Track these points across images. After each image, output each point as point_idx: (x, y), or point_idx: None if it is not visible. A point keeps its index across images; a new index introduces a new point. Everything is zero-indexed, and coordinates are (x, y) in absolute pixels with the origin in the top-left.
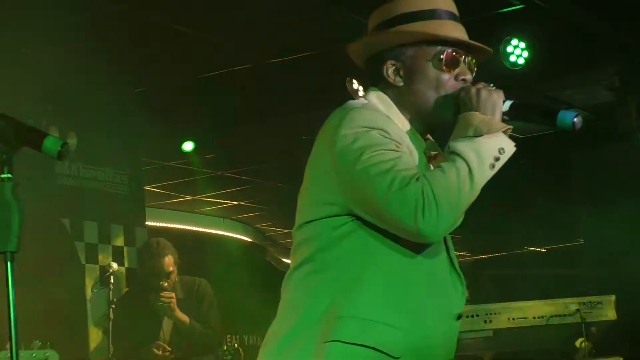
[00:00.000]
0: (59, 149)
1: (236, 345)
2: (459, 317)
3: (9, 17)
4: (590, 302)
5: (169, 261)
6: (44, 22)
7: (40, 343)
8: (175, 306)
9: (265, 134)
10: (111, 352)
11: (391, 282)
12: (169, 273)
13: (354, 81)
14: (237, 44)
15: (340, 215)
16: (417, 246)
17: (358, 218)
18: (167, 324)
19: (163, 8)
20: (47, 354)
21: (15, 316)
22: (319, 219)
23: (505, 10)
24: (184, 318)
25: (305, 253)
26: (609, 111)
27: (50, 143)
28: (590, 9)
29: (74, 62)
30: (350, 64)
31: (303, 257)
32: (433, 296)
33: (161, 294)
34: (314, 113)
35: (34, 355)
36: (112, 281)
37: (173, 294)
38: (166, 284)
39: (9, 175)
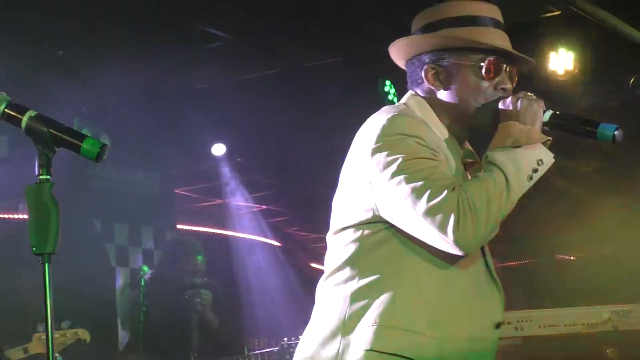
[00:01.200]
0: (98, 150)
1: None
2: (498, 325)
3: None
4: (622, 311)
5: (202, 260)
6: (74, 23)
7: (70, 322)
8: (204, 305)
9: (293, 137)
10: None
11: (427, 291)
12: (203, 272)
13: (386, 83)
14: (272, 47)
15: (375, 222)
16: (453, 255)
17: (393, 226)
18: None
19: (196, 10)
20: (78, 332)
21: (52, 319)
22: (354, 226)
23: (547, 15)
24: (215, 318)
25: (340, 260)
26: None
27: (89, 144)
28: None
29: (107, 64)
30: (381, 68)
31: (337, 264)
32: (470, 305)
33: (201, 290)
34: (342, 117)
35: (66, 334)
36: (142, 284)
37: (209, 293)
38: (200, 282)
39: (47, 177)
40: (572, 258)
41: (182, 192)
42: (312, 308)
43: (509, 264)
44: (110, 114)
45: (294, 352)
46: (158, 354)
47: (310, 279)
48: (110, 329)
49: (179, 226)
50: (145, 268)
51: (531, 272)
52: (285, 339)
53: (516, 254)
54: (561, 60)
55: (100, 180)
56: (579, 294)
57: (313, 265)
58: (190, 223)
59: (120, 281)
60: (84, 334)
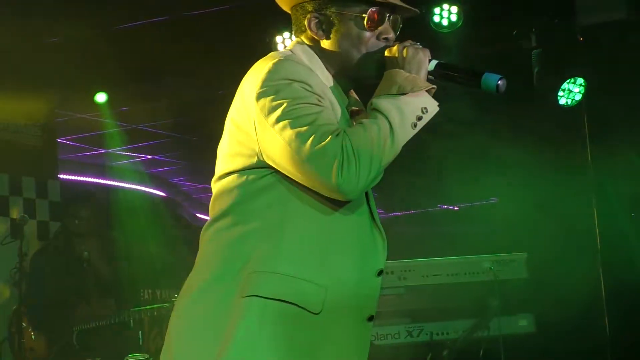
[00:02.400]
0: None
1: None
2: (380, 272)
3: None
4: (502, 260)
5: (87, 211)
6: None
7: None
8: (91, 251)
9: (181, 87)
10: (23, 305)
11: (311, 237)
12: (88, 220)
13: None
14: None
15: (259, 168)
16: (337, 201)
17: (278, 172)
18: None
19: None
20: None
21: None
22: (238, 171)
23: None
24: (105, 266)
25: (224, 205)
26: (525, 70)
27: None
28: None
29: None
30: (273, 18)
31: (222, 209)
32: (354, 252)
33: (86, 239)
34: (231, 66)
35: None
36: (24, 234)
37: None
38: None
39: None
40: (455, 208)
41: (65, 142)
42: (187, 258)
43: (394, 213)
44: None
45: None
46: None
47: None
48: None
49: (61, 176)
50: (26, 217)
51: (415, 222)
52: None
53: (400, 204)
54: (445, 13)
55: None
56: (461, 244)
57: (199, 215)
58: (74, 173)
59: (1, 231)
60: None
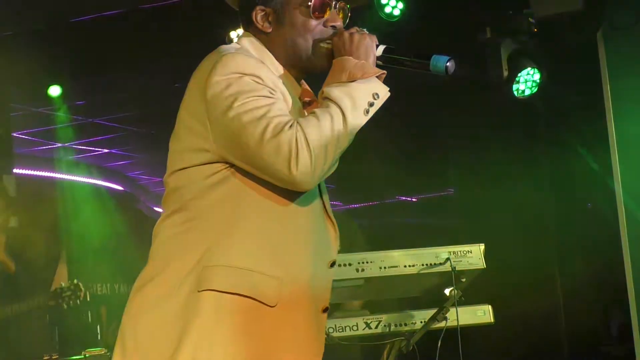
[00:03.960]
0: None
1: (75, 281)
2: (333, 264)
3: None
4: (460, 251)
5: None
6: None
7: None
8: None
9: (137, 80)
10: None
11: (265, 230)
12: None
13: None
14: None
15: (212, 163)
16: (291, 194)
17: (231, 166)
18: None
19: None
20: None
21: None
22: (191, 166)
23: None
24: (10, 260)
25: (177, 201)
26: (481, 62)
27: None
28: None
29: None
30: (230, 10)
31: (175, 205)
32: (307, 244)
33: None
34: (187, 60)
35: None
36: None
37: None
38: None
39: None
40: (413, 200)
41: (20, 136)
42: (144, 252)
43: (352, 205)
44: None
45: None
46: None
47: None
48: None
49: (16, 170)
50: None
51: (374, 213)
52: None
53: (359, 196)
54: (394, 2)
55: None
56: (419, 236)
57: (156, 209)
58: (29, 167)
59: None
60: None
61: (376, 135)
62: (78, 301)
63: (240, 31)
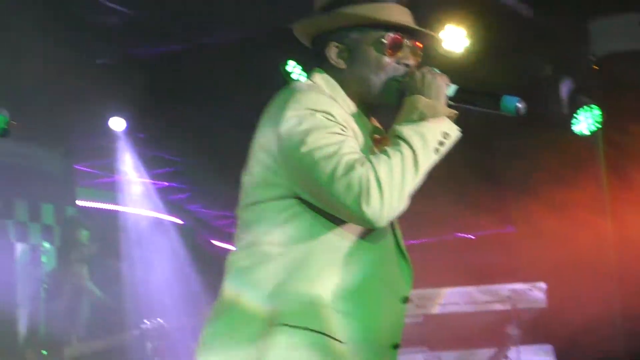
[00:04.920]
0: (4, 126)
1: (160, 319)
2: (405, 300)
3: None
4: (520, 289)
5: (87, 234)
6: None
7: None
8: (87, 277)
9: (199, 114)
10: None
11: (337, 266)
12: (85, 245)
13: (289, 63)
14: (175, 24)
15: (284, 198)
16: (362, 229)
17: (303, 201)
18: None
19: None
20: None
21: None
22: (263, 201)
23: None
24: (96, 290)
25: (250, 235)
26: (540, 99)
27: None
28: None
29: (5, 37)
30: (288, 47)
31: (248, 238)
32: (380, 280)
33: (77, 262)
34: (250, 95)
35: None
36: (43, 260)
37: (84, 265)
38: (80, 256)
39: None
40: (471, 237)
41: (83, 168)
42: (205, 287)
43: (410, 241)
44: (9, 88)
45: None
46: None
47: (211, 257)
48: (10, 307)
49: (78, 202)
50: (46, 244)
51: (431, 250)
52: (147, 321)
53: (416, 232)
54: (456, 39)
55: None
56: (478, 273)
57: (215, 243)
58: (91, 199)
59: (20, 257)
60: None
61: (433, 171)
62: (162, 341)
63: (296, 63)
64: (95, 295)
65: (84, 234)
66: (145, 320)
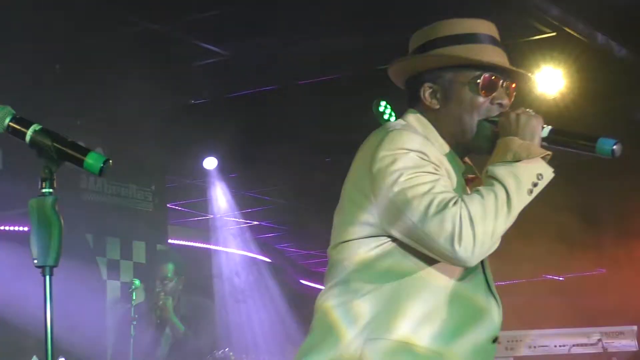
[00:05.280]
0: (101, 165)
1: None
2: (495, 339)
3: (41, 33)
4: (612, 332)
5: (172, 268)
6: (72, 39)
7: (64, 359)
8: (171, 309)
9: (288, 154)
10: None
11: (427, 305)
12: (168, 279)
13: (381, 103)
14: (264, 65)
15: (376, 236)
16: (453, 269)
17: (394, 240)
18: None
19: (191, 26)
20: None
21: (52, 330)
22: (354, 239)
23: (538, 37)
24: (179, 323)
25: (340, 273)
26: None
27: (93, 159)
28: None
29: (101, 77)
30: (377, 87)
31: (338, 277)
32: (469, 319)
33: (162, 295)
34: (340, 136)
35: None
36: (134, 297)
37: (169, 298)
38: (163, 288)
39: (50, 190)
40: (560, 278)
41: (174, 207)
42: (296, 326)
43: (498, 283)
44: (104, 127)
45: None
46: None
47: (298, 296)
48: (101, 344)
49: (170, 240)
50: (137, 282)
51: (520, 291)
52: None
53: (504, 273)
54: (551, 81)
55: (93, 194)
56: (568, 315)
57: (303, 282)
58: (182, 237)
59: (111, 295)
60: None
61: (522, 212)
62: None
63: (384, 103)
64: (177, 329)
65: (169, 268)
66: (214, 351)
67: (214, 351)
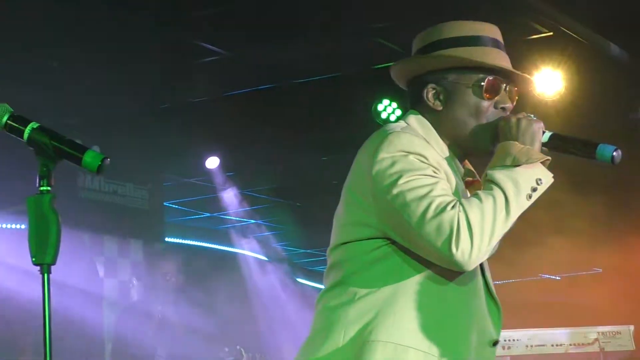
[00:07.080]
0: (99, 163)
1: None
2: (495, 343)
3: (39, 32)
4: (609, 332)
5: (170, 265)
6: (71, 38)
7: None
8: (171, 305)
9: (285, 153)
10: None
11: (425, 308)
12: (169, 274)
13: (380, 103)
14: (262, 64)
15: (374, 238)
16: (451, 272)
17: (392, 242)
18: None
19: (192, 26)
20: None
21: (50, 328)
22: (353, 241)
23: (536, 36)
24: (179, 319)
25: (339, 275)
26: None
27: (90, 157)
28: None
29: (97, 76)
30: (376, 86)
31: (336, 279)
32: (468, 322)
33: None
34: (336, 134)
35: None
36: (132, 295)
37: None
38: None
39: (48, 188)
40: (557, 278)
41: (172, 205)
42: (296, 326)
43: (495, 282)
44: (101, 125)
45: None
46: None
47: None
48: (98, 342)
49: (167, 239)
50: (135, 280)
51: (517, 291)
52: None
53: (501, 273)
54: (550, 82)
55: (90, 192)
56: (565, 315)
57: (300, 280)
58: (179, 236)
59: (108, 293)
60: None
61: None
62: None
63: (387, 102)
64: (178, 324)
65: (169, 265)
66: (225, 348)
67: (225, 348)
